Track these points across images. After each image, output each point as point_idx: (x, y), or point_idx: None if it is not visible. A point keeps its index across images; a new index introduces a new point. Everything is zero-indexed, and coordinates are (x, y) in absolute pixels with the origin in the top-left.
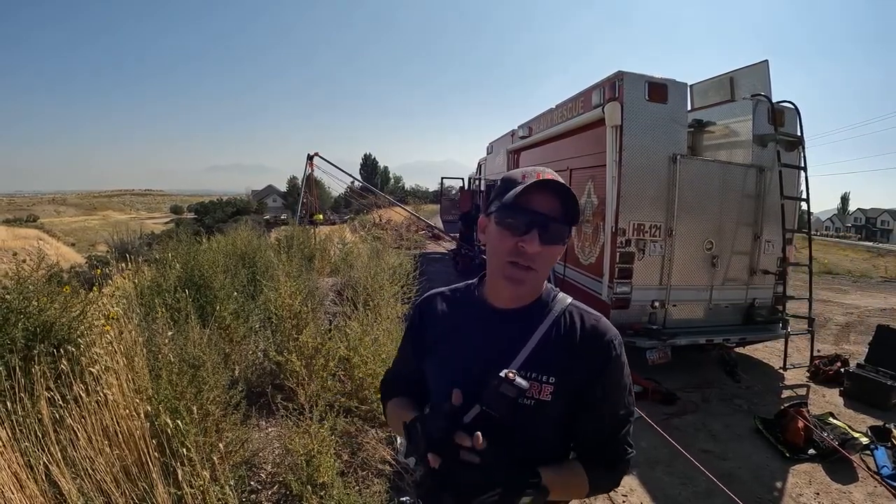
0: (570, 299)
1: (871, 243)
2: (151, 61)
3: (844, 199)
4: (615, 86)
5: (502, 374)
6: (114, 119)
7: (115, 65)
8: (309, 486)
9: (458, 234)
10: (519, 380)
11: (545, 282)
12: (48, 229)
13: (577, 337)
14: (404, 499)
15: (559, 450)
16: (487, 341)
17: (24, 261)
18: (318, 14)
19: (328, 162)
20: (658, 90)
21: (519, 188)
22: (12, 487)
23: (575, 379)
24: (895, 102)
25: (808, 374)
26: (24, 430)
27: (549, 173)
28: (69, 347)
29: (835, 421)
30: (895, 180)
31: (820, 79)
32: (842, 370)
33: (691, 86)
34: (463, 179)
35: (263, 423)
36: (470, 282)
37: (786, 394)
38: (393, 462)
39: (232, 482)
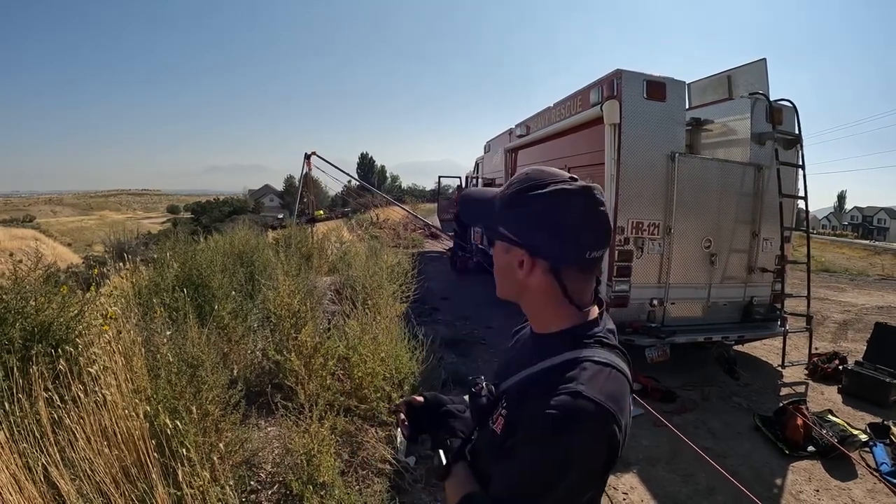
0: (584, 353)
1: (867, 241)
2: (150, 62)
3: (841, 198)
4: (613, 84)
5: (474, 384)
6: (112, 120)
7: (113, 66)
8: (310, 486)
9: (453, 233)
10: (483, 394)
11: (573, 326)
12: (45, 229)
13: (543, 387)
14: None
15: None
16: (514, 360)
17: (20, 261)
18: (316, 15)
19: (326, 161)
20: (656, 88)
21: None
22: (11, 489)
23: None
24: (892, 101)
25: (806, 372)
26: (22, 431)
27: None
28: (67, 347)
29: (833, 418)
30: (892, 178)
31: (816, 78)
32: (840, 368)
33: (689, 84)
34: (460, 178)
35: (263, 422)
36: None
37: (784, 391)
38: (393, 461)
39: (232, 482)
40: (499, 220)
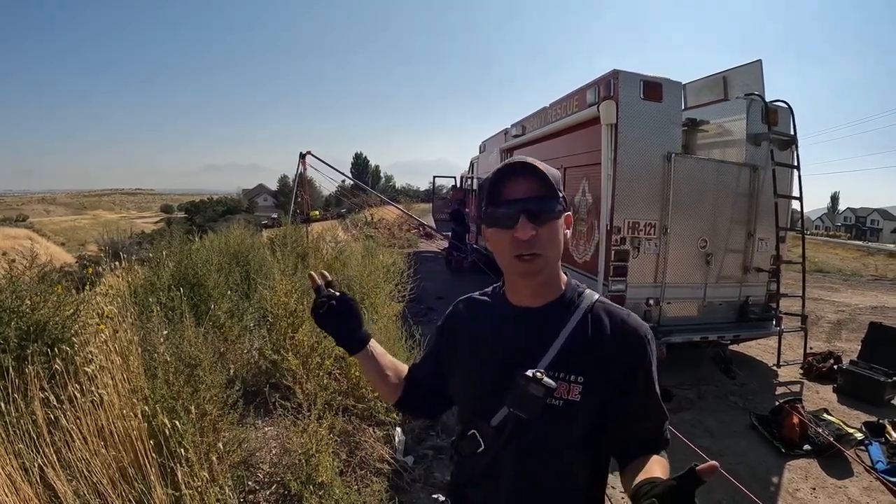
0: (596, 296)
1: (860, 242)
2: (147, 62)
3: (834, 199)
4: (610, 84)
5: (529, 373)
6: (105, 119)
7: (109, 66)
8: (309, 486)
9: (449, 233)
10: (547, 379)
11: (568, 278)
12: (38, 229)
13: (607, 335)
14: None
15: (589, 467)
16: (513, 342)
17: (13, 260)
18: (314, 16)
19: (321, 160)
20: (653, 89)
21: (490, 185)
22: (6, 490)
23: (608, 378)
24: (884, 103)
25: (801, 371)
26: (17, 432)
27: (519, 160)
28: (63, 347)
29: (829, 417)
30: (884, 179)
31: (807, 80)
32: (835, 367)
33: (685, 85)
34: (455, 178)
35: (260, 422)
36: (496, 284)
37: (780, 390)
38: (392, 461)
39: (230, 482)
40: (562, 188)
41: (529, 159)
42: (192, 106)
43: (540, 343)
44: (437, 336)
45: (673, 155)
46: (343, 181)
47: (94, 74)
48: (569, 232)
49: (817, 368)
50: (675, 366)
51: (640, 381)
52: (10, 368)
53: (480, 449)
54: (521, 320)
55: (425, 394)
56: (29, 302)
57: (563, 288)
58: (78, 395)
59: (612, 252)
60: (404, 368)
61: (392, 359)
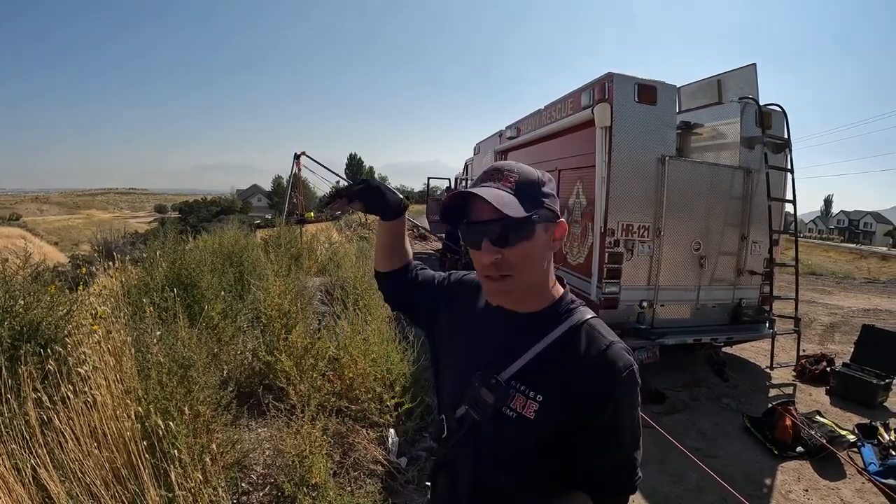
0: (589, 315)
1: (854, 245)
2: (143, 63)
3: (827, 202)
4: (605, 87)
5: (481, 378)
6: (99, 119)
7: (105, 67)
8: (303, 488)
9: (443, 235)
10: (502, 387)
11: (566, 291)
12: (31, 228)
13: (579, 358)
14: None
15: (543, 479)
16: (492, 342)
17: (6, 260)
18: (309, 19)
19: (315, 161)
20: (647, 92)
21: (461, 202)
22: None
23: (568, 403)
24: (879, 106)
25: (794, 374)
26: (10, 432)
27: (477, 191)
28: (56, 347)
29: (822, 419)
30: (878, 183)
31: (804, 82)
32: (828, 369)
33: (680, 88)
34: (449, 180)
35: (253, 423)
36: None
37: (773, 392)
38: (385, 462)
39: (224, 484)
40: (546, 197)
41: (489, 192)
42: (187, 107)
43: (513, 350)
44: (446, 282)
45: (667, 158)
46: (337, 182)
47: (91, 76)
48: (557, 243)
49: (810, 371)
50: (669, 368)
51: (605, 413)
52: (3, 368)
53: (444, 435)
54: (506, 324)
55: (405, 284)
56: (22, 302)
57: (554, 299)
58: (71, 396)
59: (606, 254)
60: (410, 255)
61: (408, 245)
